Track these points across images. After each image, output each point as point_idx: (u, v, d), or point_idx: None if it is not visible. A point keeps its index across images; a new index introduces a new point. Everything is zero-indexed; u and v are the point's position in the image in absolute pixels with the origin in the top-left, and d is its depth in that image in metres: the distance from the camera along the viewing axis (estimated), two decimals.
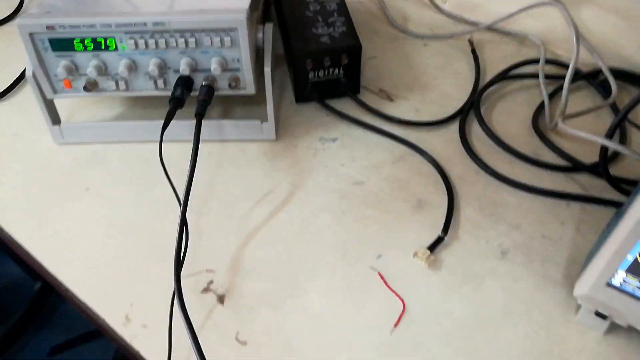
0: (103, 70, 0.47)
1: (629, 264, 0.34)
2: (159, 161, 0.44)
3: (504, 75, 0.59)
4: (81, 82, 0.48)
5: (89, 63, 0.47)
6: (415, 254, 0.44)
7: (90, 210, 0.48)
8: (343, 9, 0.57)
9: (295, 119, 0.56)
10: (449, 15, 0.69)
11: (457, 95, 0.58)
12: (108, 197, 0.49)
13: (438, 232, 0.45)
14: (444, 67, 0.62)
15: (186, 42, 0.45)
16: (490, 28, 0.65)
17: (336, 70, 0.54)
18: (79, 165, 0.52)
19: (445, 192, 0.48)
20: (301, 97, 0.56)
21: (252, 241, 0.45)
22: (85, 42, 0.46)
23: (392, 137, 0.53)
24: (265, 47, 0.48)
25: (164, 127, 0.44)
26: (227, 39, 0.45)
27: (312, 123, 0.55)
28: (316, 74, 0.54)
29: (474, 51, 0.62)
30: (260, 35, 0.48)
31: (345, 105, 0.56)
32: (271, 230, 0.46)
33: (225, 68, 0.47)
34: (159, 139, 0.48)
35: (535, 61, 0.60)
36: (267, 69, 0.48)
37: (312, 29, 0.54)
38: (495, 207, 0.48)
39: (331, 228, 0.46)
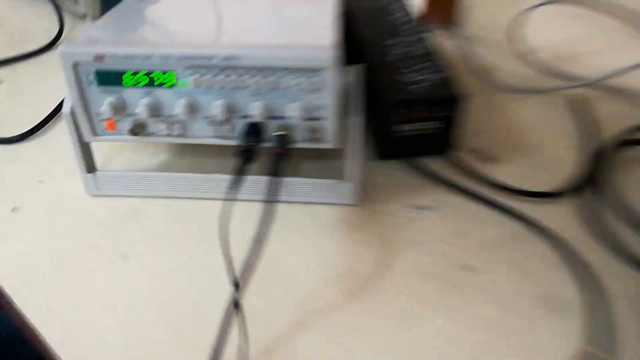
0: (156, 110, 0.39)
1: None
2: (215, 226, 0.35)
3: (626, 140, 0.49)
4: (127, 124, 0.40)
5: (139, 101, 0.38)
6: None
7: (121, 278, 0.38)
8: (434, 53, 0.49)
9: (376, 179, 0.46)
10: (541, 69, 0.60)
11: (566, 159, 0.48)
12: (144, 264, 0.39)
13: (580, 343, 0.34)
14: (542, 125, 0.52)
15: (261, 82, 0.37)
16: (594, 84, 0.56)
17: (430, 124, 0.45)
18: (112, 222, 0.43)
19: (583, 288, 0.37)
20: (385, 154, 0.47)
21: (309, 332, 0.35)
22: (138, 76, 0.37)
23: (504, 210, 0.43)
24: (355, 93, 0.39)
25: (233, 186, 0.35)
26: (312, 81, 0.36)
27: (398, 185, 0.45)
28: (405, 127, 0.45)
29: (578, 109, 0.53)
30: (350, 78, 0.39)
31: (436, 165, 0.47)
32: (340, 321, 0.35)
33: (306, 116, 0.38)
34: (211, 196, 0.43)
35: None
36: (357, 119, 0.39)
37: (400, 75, 0.46)
38: None
39: (429, 326, 0.35)
